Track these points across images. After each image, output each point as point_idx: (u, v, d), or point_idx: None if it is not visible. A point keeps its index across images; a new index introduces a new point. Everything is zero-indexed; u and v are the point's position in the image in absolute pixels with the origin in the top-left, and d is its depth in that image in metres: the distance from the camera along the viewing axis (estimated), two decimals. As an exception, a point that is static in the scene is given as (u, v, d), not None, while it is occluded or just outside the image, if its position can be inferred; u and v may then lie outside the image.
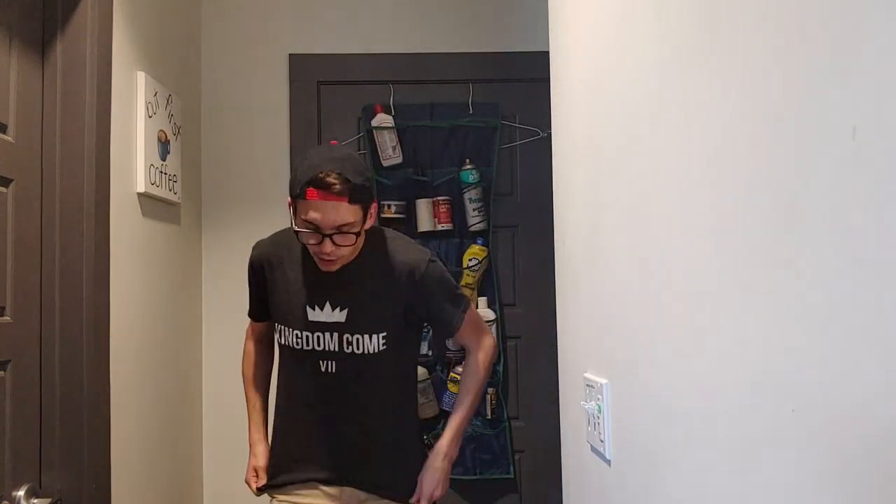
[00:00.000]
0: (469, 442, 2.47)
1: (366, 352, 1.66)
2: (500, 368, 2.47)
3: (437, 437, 2.44)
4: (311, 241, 1.56)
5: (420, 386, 2.42)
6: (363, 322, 1.66)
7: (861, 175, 0.50)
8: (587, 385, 1.22)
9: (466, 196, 2.47)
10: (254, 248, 1.77)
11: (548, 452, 2.27)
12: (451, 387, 2.43)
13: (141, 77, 1.97)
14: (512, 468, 2.47)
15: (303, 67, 2.54)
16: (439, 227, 2.47)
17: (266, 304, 1.76)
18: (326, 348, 1.66)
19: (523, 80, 2.50)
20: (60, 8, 1.65)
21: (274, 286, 1.72)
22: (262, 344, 1.89)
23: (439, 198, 2.48)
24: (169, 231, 2.16)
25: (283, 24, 2.57)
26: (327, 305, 1.65)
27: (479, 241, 2.47)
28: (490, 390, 2.46)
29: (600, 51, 1.17)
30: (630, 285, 1.02)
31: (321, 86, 2.55)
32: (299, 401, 1.73)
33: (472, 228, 2.48)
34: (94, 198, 1.66)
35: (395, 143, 2.49)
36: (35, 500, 1.50)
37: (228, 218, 2.50)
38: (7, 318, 1.50)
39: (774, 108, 0.61)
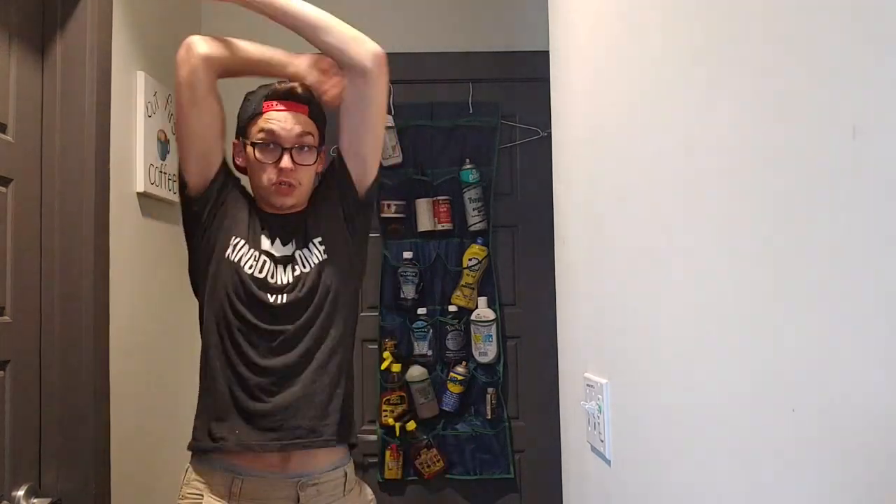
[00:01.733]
0: (469, 442, 2.47)
1: (312, 266, 1.52)
2: (500, 368, 2.47)
3: (437, 437, 2.45)
4: (268, 160, 1.48)
5: (420, 385, 2.42)
6: (301, 239, 1.55)
7: (861, 174, 0.49)
8: (587, 385, 1.22)
9: (466, 195, 2.47)
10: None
11: (548, 452, 2.27)
12: (451, 387, 2.43)
13: (140, 76, 1.97)
14: (512, 468, 2.47)
15: (303, 67, 2.54)
16: (439, 227, 2.47)
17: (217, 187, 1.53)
18: (279, 281, 1.50)
19: (523, 79, 2.50)
20: (60, 7, 1.65)
21: (237, 198, 1.55)
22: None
23: (439, 197, 2.48)
24: (168, 230, 2.16)
25: (282, 23, 2.56)
26: (277, 241, 1.53)
27: (479, 241, 2.47)
28: (490, 390, 2.46)
29: (600, 50, 1.17)
30: (630, 285, 1.02)
31: (321, 85, 2.55)
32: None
33: (471, 228, 2.48)
34: (94, 197, 1.66)
35: (394, 143, 2.49)
36: (35, 500, 1.50)
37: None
38: (6, 318, 1.50)
39: (775, 106, 0.61)
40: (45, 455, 1.59)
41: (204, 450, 1.46)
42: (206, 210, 1.51)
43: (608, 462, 1.13)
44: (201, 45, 1.48)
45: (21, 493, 1.48)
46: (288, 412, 1.44)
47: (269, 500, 1.43)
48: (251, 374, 1.45)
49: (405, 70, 2.53)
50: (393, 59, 2.58)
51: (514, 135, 2.55)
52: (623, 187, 1.05)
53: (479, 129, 2.52)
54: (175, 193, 2.18)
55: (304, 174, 1.51)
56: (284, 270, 1.51)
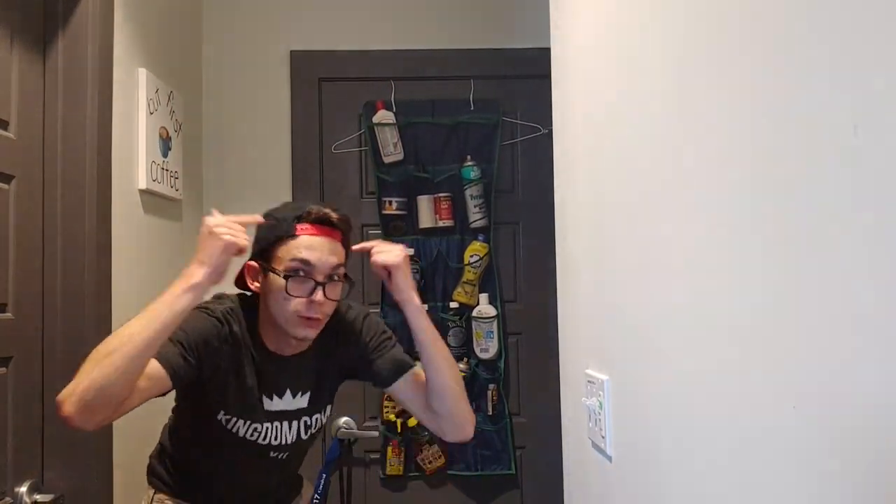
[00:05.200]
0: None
1: (319, 427, 1.52)
2: (501, 364, 2.47)
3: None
4: (301, 294, 1.32)
5: (421, 382, 2.43)
6: (320, 401, 1.49)
7: (863, 171, 0.50)
8: (588, 381, 1.22)
9: (467, 192, 2.47)
10: (213, 315, 1.36)
11: (549, 449, 2.27)
12: (453, 383, 2.44)
13: (142, 74, 1.97)
14: (513, 464, 2.48)
15: (304, 64, 2.54)
16: (440, 224, 2.47)
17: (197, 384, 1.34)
18: (283, 441, 1.44)
19: (524, 76, 2.50)
20: (61, 5, 1.65)
21: (222, 374, 1.37)
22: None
23: (440, 194, 2.48)
24: (170, 227, 2.16)
25: (284, 20, 2.56)
26: (287, 393, 1.43)
27: (481, 238, 2.47)
28: (491, 387, 2.46)
29: (601, 47, 1.16)
30: (631, 282, 1.02)
31: (322, 82, 2.55)
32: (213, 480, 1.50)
33: (473, 225, 2.48)
34: (96, 194, 1.66)
35: (396, 140, 2.49)
36: (37, 496, 1.50)
37: (229, 214, 2.49)
38: (9, 315, 1.50)
39: (776, 105, 0.61)
40: (47, 451, 1.59)
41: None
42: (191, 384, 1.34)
43: (609, 458, 1.13)
44: (82, 424, 1.18)
45: (24, 489, 1.49)
46: None
47: None
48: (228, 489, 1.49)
49: (406, 67, 2.53)
50: (395, 55, 2.59)
51: (515, 132, 2.55)
52: (624, 185, 1.05)
53: (481, 125, 2.52)
54: (177, 190, 2.19)
55: (331, 307, 1.37)
56: (290, 427, 1.45)
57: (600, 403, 1.15)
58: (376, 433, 2.45)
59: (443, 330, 2.46)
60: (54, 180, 1.62)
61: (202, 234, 1.26)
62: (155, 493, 1.50)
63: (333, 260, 1.34)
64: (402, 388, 1.48)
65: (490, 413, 2.46)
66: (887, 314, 0.47)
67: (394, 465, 2.44)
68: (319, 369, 1.47)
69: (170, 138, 2.13)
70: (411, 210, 2.49)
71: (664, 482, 0.90)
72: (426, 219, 2.47)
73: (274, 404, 1.42)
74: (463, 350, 2.45)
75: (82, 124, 1.65)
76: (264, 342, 1.41)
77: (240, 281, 1.45)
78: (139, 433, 1.93)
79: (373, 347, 1.48)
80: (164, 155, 2.09)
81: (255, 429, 1.41)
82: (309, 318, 1.34)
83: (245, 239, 1.28)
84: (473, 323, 2.46)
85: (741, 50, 0.68)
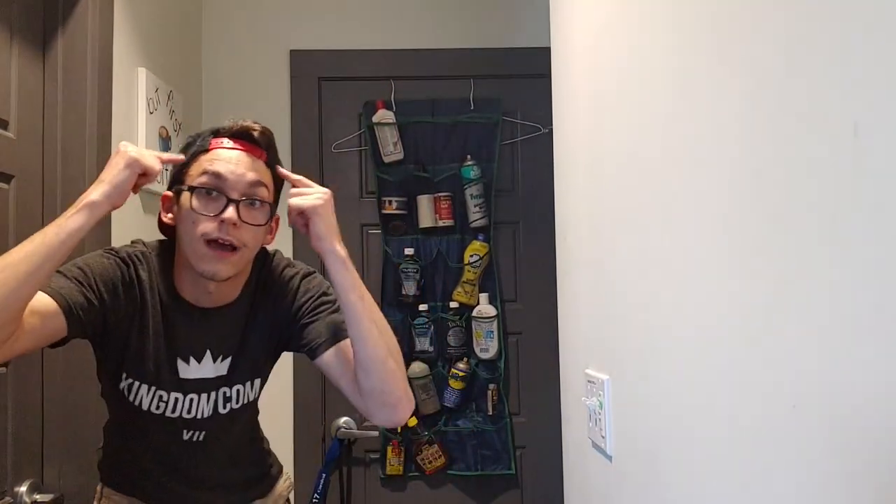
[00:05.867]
0: (470, 438, 2.47)
1: (244, 403, 1.29)
2: (501, 364, 2.47)
3: (438, 433, 2.46)
4: (208, 211, 1.14)
5: (421, 382, 2.43)
6: (245, 369, 1.27)
7: (863, 171, 0.49)
8: (588, 381, 1.22)
9: (468, 192, 2.47)
10: (116, 255, 1.21)
11: (549, 448, 2.28)
12: (453, 383, 2.44)
13: (142, 73, 1.97)
14: (513, 464, 2.48)
15: (304, 63, 2.54)
16: (440, 224, 2.47)
17: (94, 325, 1.14)
18: (197, 415, 1.24)
19: (525, 75, 2.50)
20: (61, 4, 1.65)
21: (125, 324, 1.19)
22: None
23: (440, 194, 2.48)
24: (170, 227, 2.16)
25: (284, 20, 2.57)
26: (207, 356, 1.23)
27: (481, 238, 2.47)
28: (491, 387, 2.46)
29: (601, 46, 1.16)
30: (631, 282, 1.02)
31: (322, 82, 2.55)
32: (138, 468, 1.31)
33: (473, 224, 2.48)
34: (96, 194, 1.66)
35: (396, 139, 2.49)
36: (37, 496, 1.50)
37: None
38: (9, 315, 1.50)
39: (777, 105, 0.61)
40: (47, 451, 1.59)
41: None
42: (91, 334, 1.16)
43: (609, 458, 1.13)
44: None
45: (24, 488, 1.49)
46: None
47: None
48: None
49: (407, 66, 2.53)
50: (394, 55, 2.59)
51: (515, 131, 2.55)
52: (624, 184, 1.05)
53: (481, 125, 2.52)
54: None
55: (251, 236, 1.17)
56: (208, 400, 1.24)
57: (600, 403, 1.15)
58: (376, 433, 2.45)
59: (443, 329, 2.46)
60: (54, 180, 1.62)
61: (111, 156, 1.11)
62: (103, 486, 1.33)
63: (251, 176, 1.16)
64: (331, 361, 1.21)
65: (490, 413, 2.46)
66: (887, 314, 0.47)
67: (394, 465, 2.45)
68: (245, 331, 1.25)
69: (169, 138, 2.13)
70: (411, 209, 2.49)
71: (664, 482, 0.90)
72: (426, 218, 2.47)
73: (191, 370, 1.22)
74: (463, 350, 2.45)
75: (82, 124, 1.65)
76: (179, 291, 1.22)
77: (162, 225, 1.26)
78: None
79: (308, 310, 1.25)
80: (164, 154, 2.09)
81: (161, 397, 1.21)
82: (219, 245, 1.13)
83: (157, 162, 1.12)
84: (473, 323, 2.46)
85: (743, 51, 0.67)
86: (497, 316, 2.45)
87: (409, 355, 2.47)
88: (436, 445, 2.45)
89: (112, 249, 1.22)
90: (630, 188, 1.02)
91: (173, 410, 1.22)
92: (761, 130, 0.63)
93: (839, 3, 0.52)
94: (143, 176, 1.10)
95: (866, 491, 0.50)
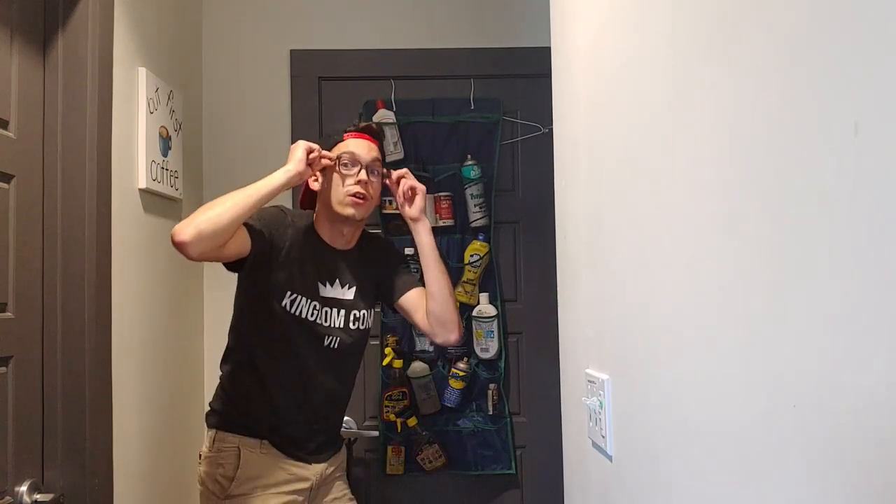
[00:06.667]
0: (470, 437, 2.47)
1: (360, 327, 1.81)
2: (502, 364, 2.47)
3: (439, 433, 2.46)
4: (351, 172, 1.72)
5: (421, 382, 2.43)
6: (360, 299, 1.81)
7: (863, 171, 0.49)
8: (588, 381, 1.22)
9: (468, 192, 2.47)
10: (278, 207, 1.77)
11: (549, 448, 2.28)
12: (453, 383, 2.44)
13: (142, 73, 1.97)
14: (513, 464, 2.48)
15: (304, 63, 2.54)
16: (441, 223, 2.47)
17: (263, 254, 1.66)
18: (334, 324, 1.76)
19: (525, 75, 2.50)
20: (61, 3, 1.65)
21: (285, 254, 1.71)
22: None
23: (441, 193, 2.48)
24: (170, 227, 2.14)
25: (284, 19, 2.57)
26: (337, 283, 1.78)
27: (481, 237, 2.47)
28: (491, 386, 2.46)
29: (602, 46, 1.16)
30: (631, 282, 1.02)
31: (322, 81, 2.55)
32: (286, 377, 1.74)
33: (473, 224, 2.48)
34: (96, 194, 1.67)
35: (396, 139, 2.49)
36: (37, 496, 1.50)
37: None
38: (9, 315, 1.50)
39: (778, 103, 0.61)
40: (47, 451, 1.59)
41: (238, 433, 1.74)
42: (262, 261, 1.67)
43: (609, 457, 1.13)
44: (191, 249, 1.49)
45: (24, 488, 1.49)
46: (319, 434, 1.80)
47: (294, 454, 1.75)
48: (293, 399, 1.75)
49: (407, 66, 2.53)
50: (395, 54, 2.59)
51: (515, 131, 2.55)
52: (624, 184, 1.05)
53: (481, 125, 2.52)
54: (177, 190, 2.19)
55: (373, 190, 1.77)
56: (339, 314, 1.78)
57: (600, 403, 1.15)
58: (376, 433, 2.45)
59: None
60: (54, 180, 1.62)
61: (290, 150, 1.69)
62: (217, 431, 1.75)
63: (374, 154, 1.77)
64: (411, 298, 1.84)
65: (490, 412, 2.46)
66: (887, 314, 0.47)
67: (394, 464, 2.45)
68: (361, 270, 1.83)
69: (170, 137, 2.13)
70: (411, 209, 2.49)
71: (664, 482, 0.90)
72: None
73: (328, 290, 1.76)
74: (463, 349, 2.45)
75: (82, 123, 1.65)
76: (320, 235, 1.78)
77: (304, 203, 1.87)
78: (139, 433, 1.94)
79: (397, 265, 1.90)
80: (164, 154, 2.09)
81: (315, 307, 1.73)
82: (358, 197, 1.72)
83: (306, 156, 1.66)
84: (474, 322, 2.46)
85: (743, 49, 0.67)
86: (497, 316, 2.45)
87: (410, 355, 2.47)
88: (436, 445, 2.45)
89: (278, 206, 1.77)
90: (630, 188, 1.02)
91: (322, 318, 1.74)
92: (762, 130, 0.63)
93: (839, 3, 0.52)
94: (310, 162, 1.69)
95: (867, 491, 0.50)
